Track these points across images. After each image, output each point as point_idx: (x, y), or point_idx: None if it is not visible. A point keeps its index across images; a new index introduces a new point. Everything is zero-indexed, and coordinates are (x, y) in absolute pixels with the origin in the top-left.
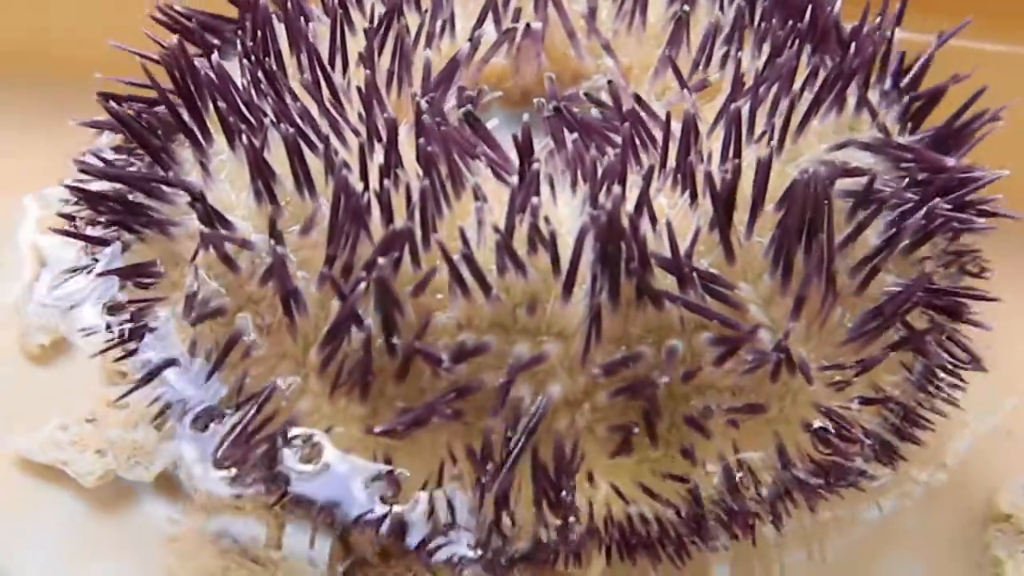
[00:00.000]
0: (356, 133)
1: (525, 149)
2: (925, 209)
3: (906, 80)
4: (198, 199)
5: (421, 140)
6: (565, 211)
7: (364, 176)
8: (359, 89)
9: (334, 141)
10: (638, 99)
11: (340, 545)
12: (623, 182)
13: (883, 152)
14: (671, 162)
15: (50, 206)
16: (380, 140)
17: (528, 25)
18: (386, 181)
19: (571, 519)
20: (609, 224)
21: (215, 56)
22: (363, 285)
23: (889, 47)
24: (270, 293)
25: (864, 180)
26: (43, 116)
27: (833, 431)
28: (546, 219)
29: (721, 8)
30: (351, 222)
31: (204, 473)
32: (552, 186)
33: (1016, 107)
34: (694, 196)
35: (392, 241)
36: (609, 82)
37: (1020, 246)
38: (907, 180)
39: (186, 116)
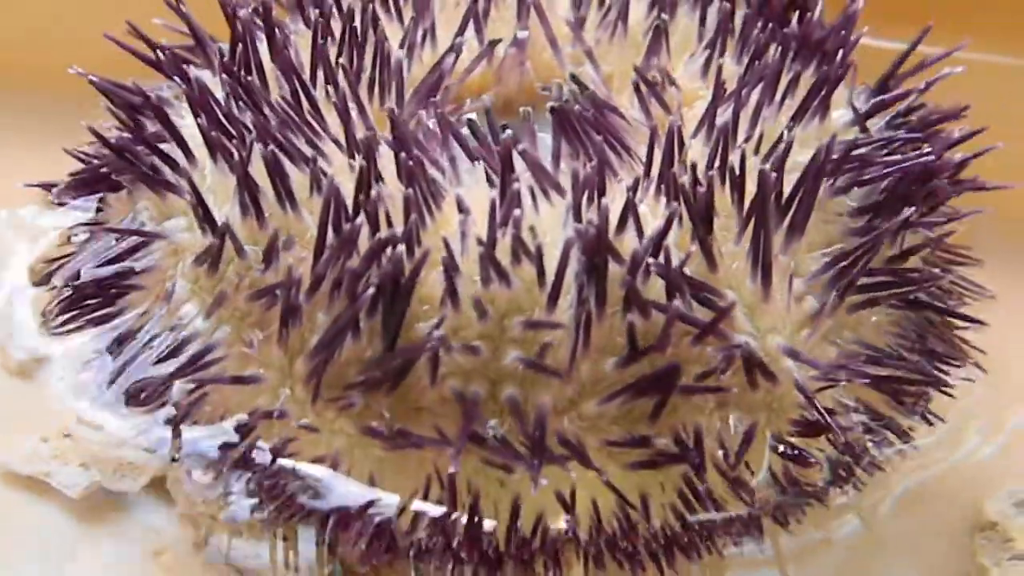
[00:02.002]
0: (338, 145)
1: (506, 163)
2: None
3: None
4: (200, 204)
5: (403, 155)
6: (547, 220)
7: (357, 193)
8: (335, 104)
9: (320, 161)
10: (640, 86)
11: (328, 554)
12: (603, 193)
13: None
14: (653, 171)
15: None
16: (360, 153)
17: (515, 35)
18: (372, 193)
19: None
20: (597, 239)
21: (194, 70)
22: (371, 291)
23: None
24: (258, 307)
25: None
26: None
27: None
28: (531, 229)
29: (702, 19)
30: (343, 240)
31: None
32: (533, 195)
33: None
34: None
35: (380, 249)
36: (584, 90)
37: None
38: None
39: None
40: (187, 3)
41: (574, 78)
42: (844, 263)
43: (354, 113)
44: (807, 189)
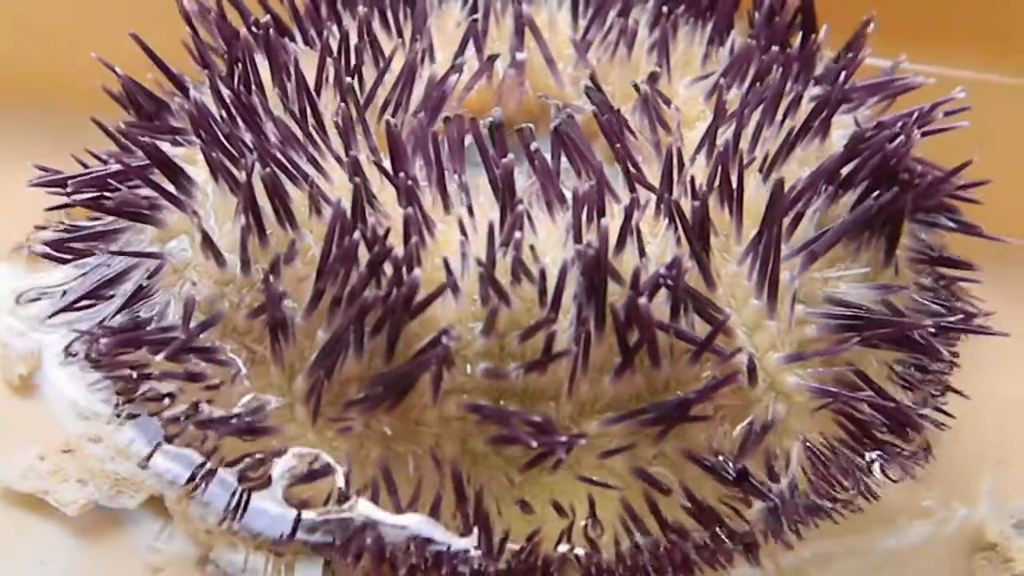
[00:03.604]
0: (339, 161)
1: (507, 185)
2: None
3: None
4: (206, 241)
5: (403, 171)
6: (547, 240)
7: (355, 213)
8: (336, 124)
9: (320, 181)
10: (647, 100)
11: (330, 573)
12: (602, 212)
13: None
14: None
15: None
16: (355, 174)
17: (514, 56)
18: (369, 214)
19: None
20: (596, 260)
21: (193, 91)
22: (373, 305)
23: None
24: (257, 324)
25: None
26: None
27: (818, 459)
28: (531, 248)
29: (707, 41)
30: (343, 259)
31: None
32: (530, 217)
33: (997, 136)
34: (676, 225)
35: (378, 263)
36: (570, 116)
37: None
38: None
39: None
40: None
41: (592, 77)
42: (854, 322)
43: (359, 132)
44: (843, 226)
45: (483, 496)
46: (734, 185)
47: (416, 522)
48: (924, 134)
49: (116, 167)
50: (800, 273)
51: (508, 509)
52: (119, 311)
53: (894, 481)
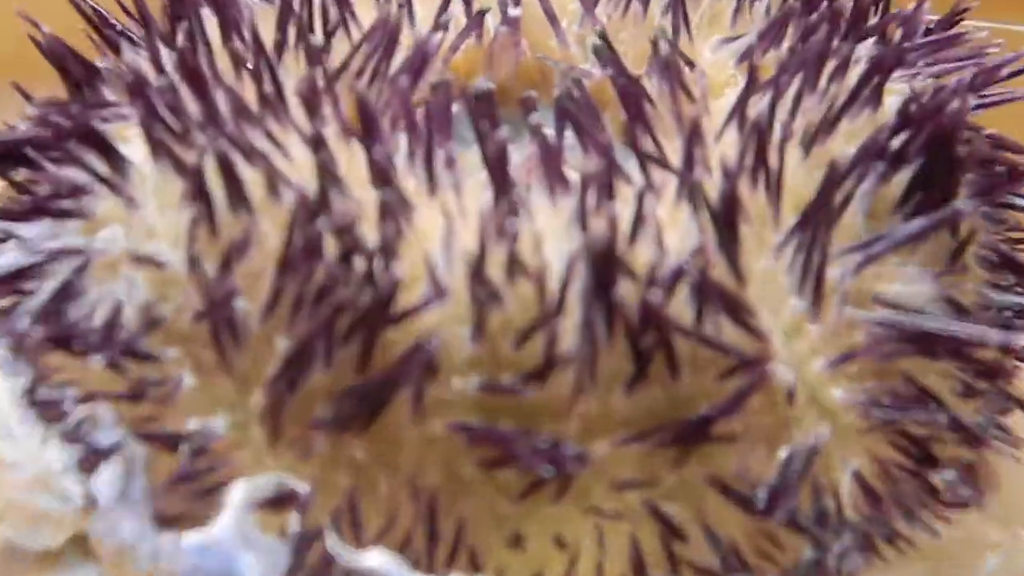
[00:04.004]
0: (301, 135)
1: (500, 165)
2: None
3: None
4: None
5: (376, 147)
6: (548, 228)
7: (321, 196)
8: (299, 91)
9: (278, 159)
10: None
11: None
12: (612, 197)
13: None
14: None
15: None
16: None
17: (505, 10)
18: (336, 197)
19: None
20: (605, 253)
21: (129, 52)
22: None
23: None
24: (204, 328)
25: None
26: None
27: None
28: (529, 238)
29: None
30: (307, 250)
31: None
32: (527, 200)
33: None
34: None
35: (346, 256)
36: (577, 81)
37: None
38: None
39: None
40: None
41: (602, 36)
42: (912, 328)
43: (325, 101)
44: (911, 229)
45: (466, 532)
46: (771, 163)
47: (383, 562)
48: (987, 105)
49: (32, 132)
50: (852, 271)
51: (499, 546)
52: (43, 310)
53: (957, 509)
